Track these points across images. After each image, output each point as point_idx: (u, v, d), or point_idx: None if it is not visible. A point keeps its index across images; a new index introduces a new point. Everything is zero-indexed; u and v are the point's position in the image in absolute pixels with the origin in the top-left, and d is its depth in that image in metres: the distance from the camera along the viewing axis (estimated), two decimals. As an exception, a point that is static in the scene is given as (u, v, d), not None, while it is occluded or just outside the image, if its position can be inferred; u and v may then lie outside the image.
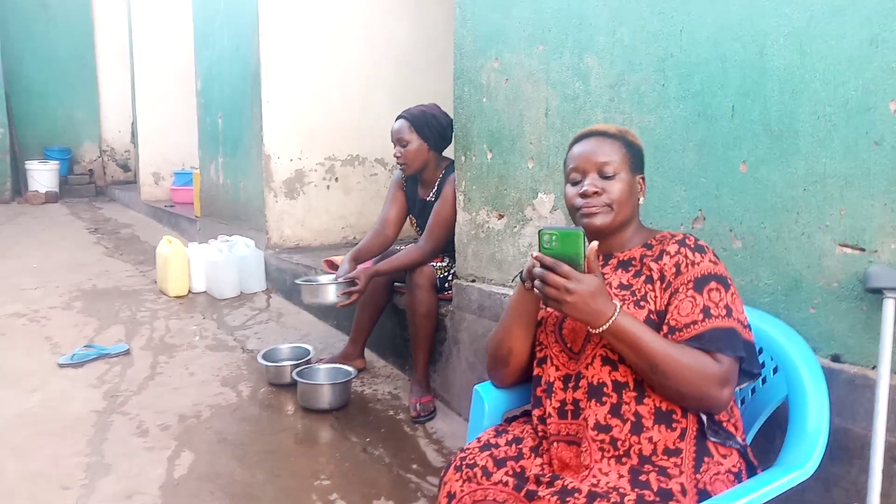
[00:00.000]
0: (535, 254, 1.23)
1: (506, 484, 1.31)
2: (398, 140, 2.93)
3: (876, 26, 1.43)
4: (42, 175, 9.64)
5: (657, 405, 1.28)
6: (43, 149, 10.19)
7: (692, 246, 1.34)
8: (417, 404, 2.72)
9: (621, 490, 1.20)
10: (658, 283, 1.33)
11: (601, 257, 1.43)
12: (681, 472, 1.24)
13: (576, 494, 1.20)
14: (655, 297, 1.33)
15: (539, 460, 1.37)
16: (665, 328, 1.29)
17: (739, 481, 1.28)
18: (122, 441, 2.49)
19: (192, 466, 2.31)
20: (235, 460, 2.36)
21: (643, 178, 1.46)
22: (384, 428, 2.65)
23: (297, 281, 2.99)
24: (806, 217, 1.57)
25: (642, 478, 1.23)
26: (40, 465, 2.31)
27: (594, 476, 1.25)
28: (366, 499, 2.13)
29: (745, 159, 1.68)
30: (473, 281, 2.67)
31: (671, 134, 1.86)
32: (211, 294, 4.56)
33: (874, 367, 1.46)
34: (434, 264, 2.85)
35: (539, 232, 1.24)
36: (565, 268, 1.20)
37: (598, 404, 1.30)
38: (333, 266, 3.36)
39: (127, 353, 3.42)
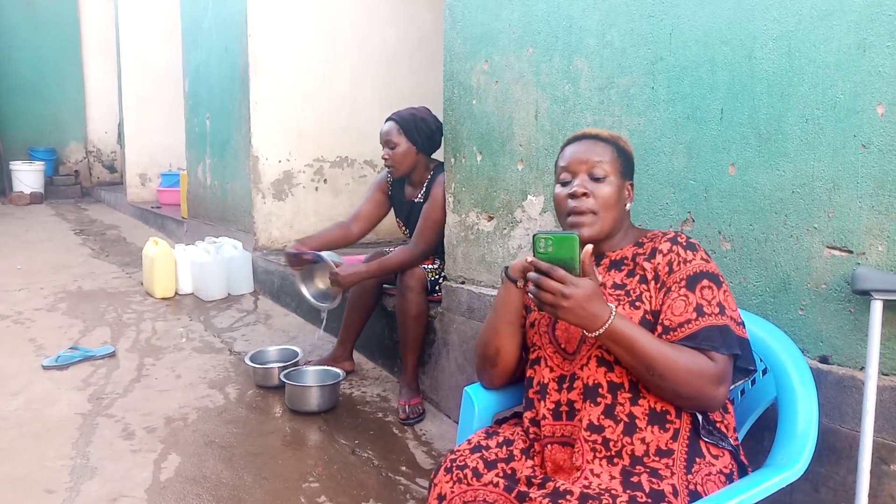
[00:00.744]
0: (530, 258, 1.23)
1: (496, 485, 1.31)
2: (386, 142, 2.92)
3: (863, 31, 1.44)
4: (27, 176, 9.54)
5: (652, 406, 1.28)
6: (28, 149, 10.11)
7: (684, 244, 1.35)
8: (406, 406, 2.71)
9: (613, 492, 1.20)
10: (653, 282, 1.34)
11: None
12: (672, 474, 1.24)
13: (568, 496, 1.19)
14: (651, 297, 1.33)
15: (530, 462, 1.36)
16: (659, 328, 1.30)
17: (731, 482, 1.28)
18: (107, 444, 2.46)
19: (179, 469, 2.29)
20: (222, 463, 2.34)
21: (632, 185, 1.46)
22: (373, 430, 2.64)
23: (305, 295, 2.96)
24: (794, 219, 1.58)
25: (634, 479, 1.23)
26: (24, 468, 2.28)
27: (586, 478, 1.25)
28: (354, 501, 2.12)
29: (734, 162, 1.69)
30: (463, 283, 2.67)
31: (660, 136, 1.87)
32: (198, 296, 4.53)
33: (862, 369, 1.47)
34: (425, 266, 2.84)
35: (534, 236, 1.23)
36: (561, 272, 1.19)
37: (592, 405, 1.30)
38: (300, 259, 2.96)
39: (112, 355, 3.39)
